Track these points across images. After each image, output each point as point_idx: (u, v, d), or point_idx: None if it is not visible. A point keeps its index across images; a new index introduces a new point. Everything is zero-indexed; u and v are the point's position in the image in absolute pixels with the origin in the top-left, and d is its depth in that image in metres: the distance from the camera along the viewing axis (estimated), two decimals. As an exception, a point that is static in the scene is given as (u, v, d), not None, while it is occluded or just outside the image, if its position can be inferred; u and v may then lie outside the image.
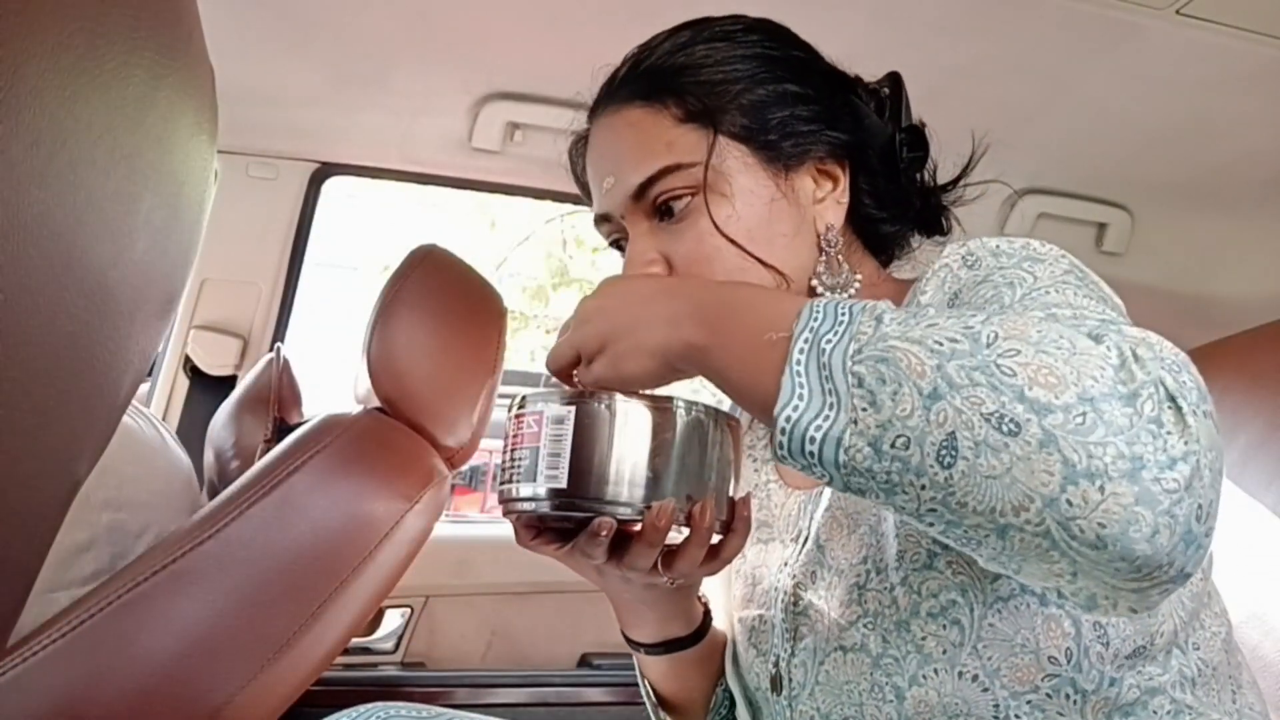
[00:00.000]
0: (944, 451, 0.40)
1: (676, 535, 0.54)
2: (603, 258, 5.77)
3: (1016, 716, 0.55)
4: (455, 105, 1.27)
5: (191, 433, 1.19)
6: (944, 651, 0.56)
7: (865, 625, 0.60)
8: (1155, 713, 0.55)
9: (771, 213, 0.63)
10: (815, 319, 0.46)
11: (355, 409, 0.86)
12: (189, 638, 0.70)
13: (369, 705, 0.78)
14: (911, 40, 1.07)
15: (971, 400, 0.40)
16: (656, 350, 0.52)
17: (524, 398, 0.55)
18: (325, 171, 1.43)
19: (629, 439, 0.52)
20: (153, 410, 1.30)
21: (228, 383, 1.41)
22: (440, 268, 0.88)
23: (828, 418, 0.43)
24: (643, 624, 0.70)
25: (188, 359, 1.41)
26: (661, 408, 0.53)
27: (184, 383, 1.42)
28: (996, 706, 0.55)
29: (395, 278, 0.85)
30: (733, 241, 0.62)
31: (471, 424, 0.88)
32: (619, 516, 0.51)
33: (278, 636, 0.72)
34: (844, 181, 0.66)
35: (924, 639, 0.57)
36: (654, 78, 0.65)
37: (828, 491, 0.65)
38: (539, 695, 1.49)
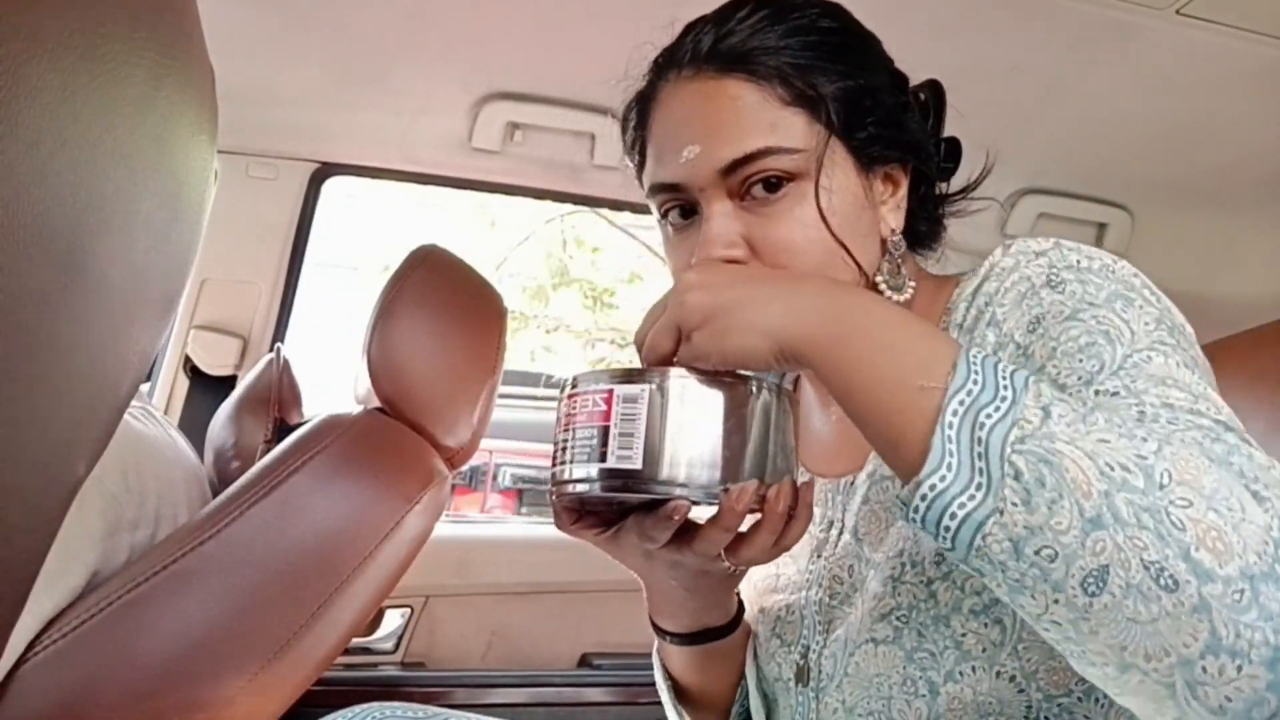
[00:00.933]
0: (1091, 580, 0.40)
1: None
2: (603, 257, 5.77)
3: (1047, 718, 0.55)
4: (455, 105, 1.27)
5: (191, 433, 1.19)
6: (984, 650, 0.56)
7: (899, 618, 0.59)
8: None
9: (858, 211, 0.62)
10: (974, 383, 0.44)
11: (355, 409, 0.86)
12: (189, 638, 0.70)
13: (364, 705, 0.78)
14: (911, 40, 1.07)
15: (1135, 542, 0.40)
16: (771, 330, 0.50)
17: (580, 376, 0.53)
18: (325, 171, 1.43)
19: (705, 418, 0.50)
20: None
21: (228, 383, 1.41)
22: (441, 268, 0.88)
23: (973, 498, 0.42)
24: (679, 613, 0.68)
25: (188, 359, 1.41)
26: (735, 385, 0.51)
27: (184, 383, 1.42)
28: (1029, 708, 0.55)
29: (395, 278, 0.85)
30: (834, 236, 0.60)
31: (472, 424, 0.88)
32: (695, 499, 0.49)
33: (278, 637, 0.72)
34: (904, 186, 0.66)
35: (964, 635, 0.56)
36: (750, 54, 0.61)
37: (861, 483, 0.65)
38: (539, 695, 1.49)
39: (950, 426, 0.43)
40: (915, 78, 0.72)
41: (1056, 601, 0.41)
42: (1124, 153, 1.32)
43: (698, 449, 0.49)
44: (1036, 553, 0.41)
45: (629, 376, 0.51)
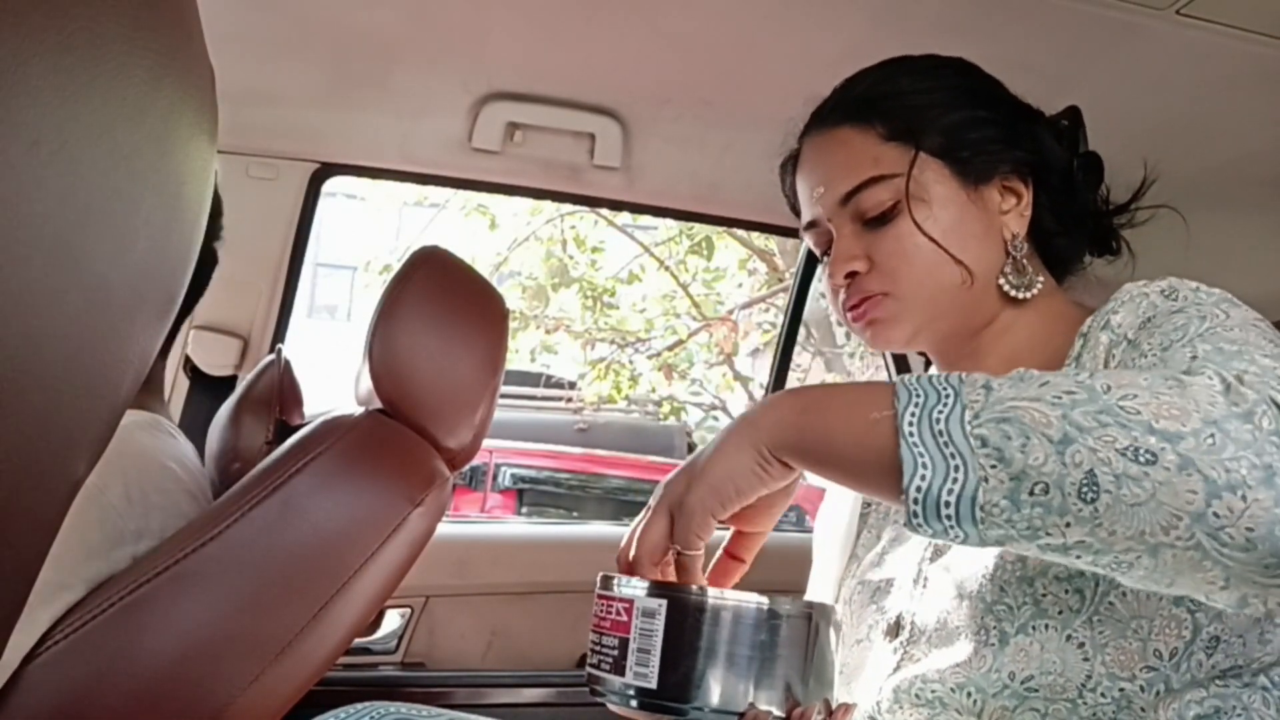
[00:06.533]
0: (1085, 489, 0.44)
1: None
2: (603, 258, 5.76)
3: (1102, 694, 0.57)
4: (455, 105, 1.27)
5: (191, 433, 1.19)
6: (1060, 612, 0.59)
7: (984, 577, 0.63)
8: None
9: (963, 216, 0.71)
10: (917, 396, 0.50)
11: (357, 410, 0.86)
12: (191, 639, 0.70)
13: (360, 704, 0.78)
14: (911, 40, 1.07)
15: (1104, 439, 0.45)
16: (745, 444, 0.55)
17: (610, 578, 0.54)
18: (325, 171, 1.43)
19: (723, 639, 0.50)
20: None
21: (228, 383, 1.41)
22: (442, 269, 0.88)
23: (955, 479, 0.47)
24: None
25: (188, 359, 1.41)
26: (759, 608, 0.51)
27: (184, 383, 1.42)
28: (1089, 677, 0.58)
29: (397, 279, 0.85)
30: (930, 238, 0.69)
31: (473, 425, 0.88)
32: None
33: (280, 638, 0.72)
34: (1027, 197, 0.73)
35: (1044, 596, 0.60)
36: (862, 103, 0.74)
37: None
38: (539, 695, 1.49)
39: (911, 435, 0.49)
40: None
41: (1069, 524, 0.45)
42: (1123, 153, 1.32)
43: (715, 671, 0.50)
44: (1030, 493, 0.46)
45: (651, 590, 0.51)
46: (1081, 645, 0.58)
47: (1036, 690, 0.59)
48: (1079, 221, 0.76)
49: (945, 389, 0.49)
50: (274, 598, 0.73)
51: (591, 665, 0.54)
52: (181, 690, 0.69)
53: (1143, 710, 0.57)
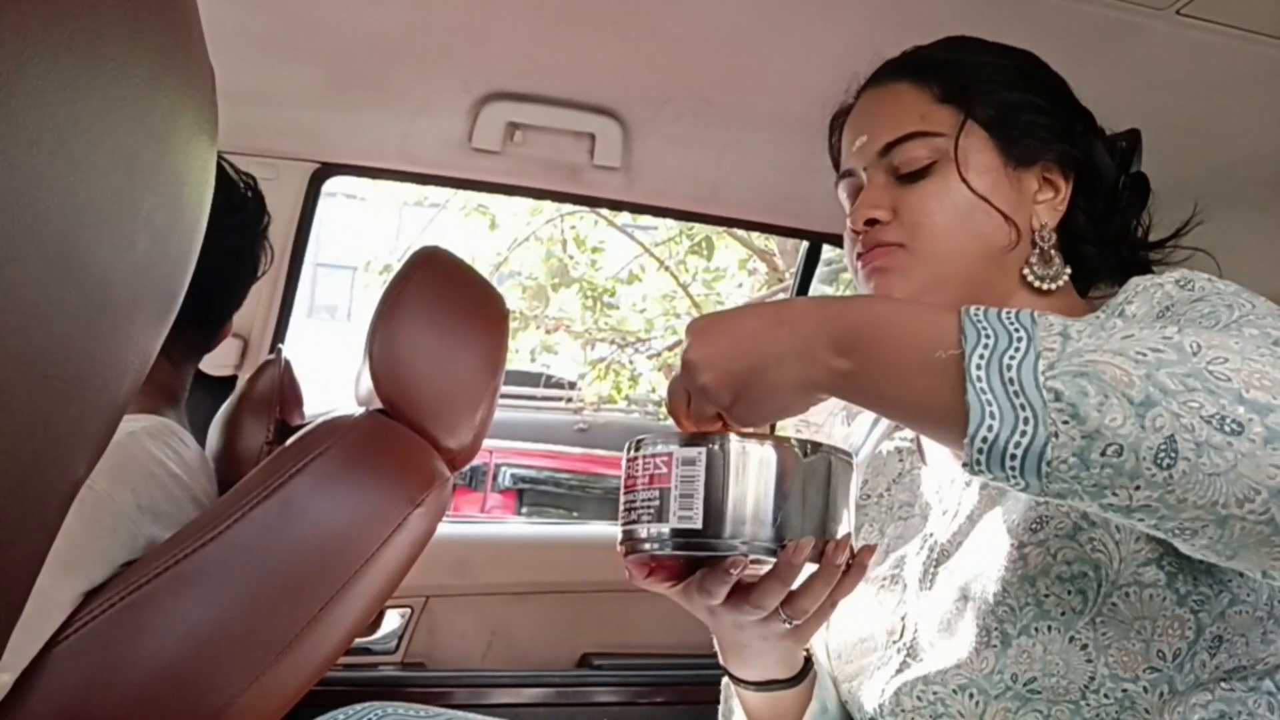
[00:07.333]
0: (1163, 454, 0.43)
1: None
2: (603, 258, 5.76)
3: (1105, 695, 0.57)
4: (455, 105, 1.27)
5: (192, 433, 1.19)
6: (1062, 614, 0.58)
7: (987, 578, 0.62)
8: None
9: (995, 190, 0.70)
10: (986, 336, 0.47)
11: (357, 410, 0.85)
12: (191, 639, 0.70)
13: (360, 704, 0.78)
14: (912, 39, 1.07)
15: (1190, 404, 0.43)
16: (796, 385, 0.54)
17: (642, 440, 0.56)
18: (325, 171, 1.42)
19: (761, 479, 0.53)
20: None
21: (228, 383, 1.41)
22: (442, 270, 0.88)
23: (1024, 433, 0.45)
24: (746, 665, 0.72)
25: (188, 359, 1.41)
26: (789, 448, 0.54)
27: (184, 383, 1.42)
28: (1092, 679, 0.57)
29: (398, 279, 0.85)
30: (975, 192, 0.68)
31: (473, 425, 0.88)
32: (754, 555, 0.53)
33: (280, 638, 0.72)
34: (1065, 193, 0.72)
35: (1046, 596, 0.59)
36: (924, 63, 0.75)
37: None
38: (539, 695, 1.49)
39: (979, 380, 0.46)
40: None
41: (1138, 487, 0.43)
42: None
43: (755, 508, 0.53)
44: (1103, 454, 0.43)
45: (687, 440, 0.54)
46: (1084, 647, 0.57)
47: (1039, 692, 0.58)
48: (1114, 239, 0.75)
49: (1017, 329, 0.47)
50: (274, 598, 0.73)
51: (629, 524, 0.56)
52: (181, 690, 0.69)
53: (1147, 712, 0.56)
